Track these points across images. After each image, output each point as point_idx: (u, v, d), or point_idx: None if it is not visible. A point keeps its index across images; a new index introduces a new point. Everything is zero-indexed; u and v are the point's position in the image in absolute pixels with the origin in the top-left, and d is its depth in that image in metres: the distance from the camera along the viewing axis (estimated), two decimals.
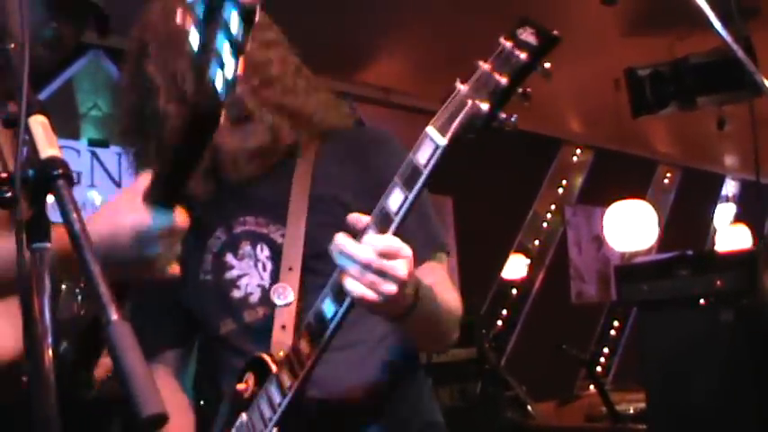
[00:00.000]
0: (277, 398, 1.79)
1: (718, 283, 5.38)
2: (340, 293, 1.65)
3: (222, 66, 1.18)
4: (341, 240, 1.60)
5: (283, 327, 1.91)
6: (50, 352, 1.02)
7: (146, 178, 1.54)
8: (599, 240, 9.34)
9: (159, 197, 1.51)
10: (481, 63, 1.53)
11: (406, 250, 1.59)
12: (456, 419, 2.25)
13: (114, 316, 0.91)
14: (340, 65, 5.97)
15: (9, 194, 1.02)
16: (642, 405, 5.92)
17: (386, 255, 1.56)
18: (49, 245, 1.05)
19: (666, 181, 11.29)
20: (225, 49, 1.18)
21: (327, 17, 5.68)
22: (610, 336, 9.75)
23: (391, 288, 1.56)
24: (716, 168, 11.87)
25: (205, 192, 2.02)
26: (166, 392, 2.10)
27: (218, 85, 1.18)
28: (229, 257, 2.04)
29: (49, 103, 5.69)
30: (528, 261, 8.91)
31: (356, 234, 1.62)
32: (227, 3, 1.16)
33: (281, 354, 1.84)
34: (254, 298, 2.00)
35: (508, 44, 1.52)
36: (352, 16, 5.80)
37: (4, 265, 1.30)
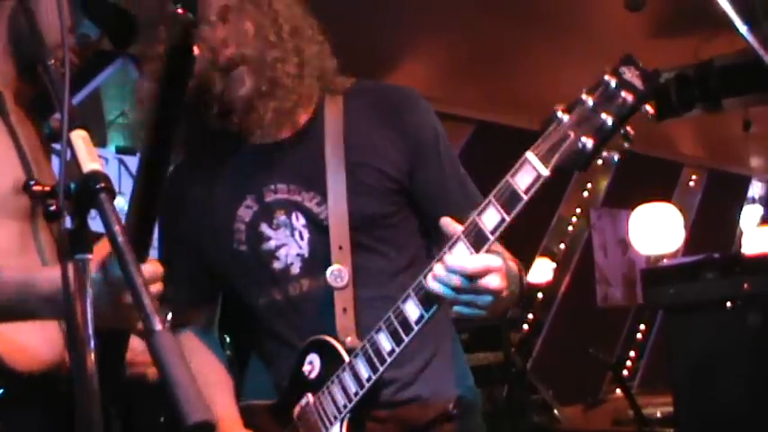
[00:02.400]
0: (353, 387, 1.84)
1: (746, 285, 5.36)
2: (426, 298, 1.71)
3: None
4: (437, 271, 1.66)
5: (344, 310, 1.95)
6: (93, 357, 1.05)
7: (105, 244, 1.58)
8: (624, 243, 9.31)
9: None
10: (584, 96, 1.56)
11: (497, 262, 1.65)
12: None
13: (158, 326, 0.93)
14: (366, 70, 5.98)
15: (53, 207, 1.05)
16: (669, 409, 5.89)
17: (480, 274, 1.62)
18: (90, 256, 1.08)
19: (692, 183, 11.24)
20: None
21: (354, 22, 5.71)
22: (636, 339, 9.71)
23: (487, 300, 1.65)
24: (742, 170, 11.80)
25: (231, 154, 2.04)
26: (204, 352, 2.18)
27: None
28: (264, 227, 2.04)
29: (77, 111, 5.76)
30: (553, 265, 8.90)
31: (442, 239, 1.70)
32: None
33: (349, 340, 1.90)
34: (296, 269, 2.02)
35: (613, 82, 1.54)
36: (378, 21, 5.82)
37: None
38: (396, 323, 1.75)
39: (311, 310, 1.99)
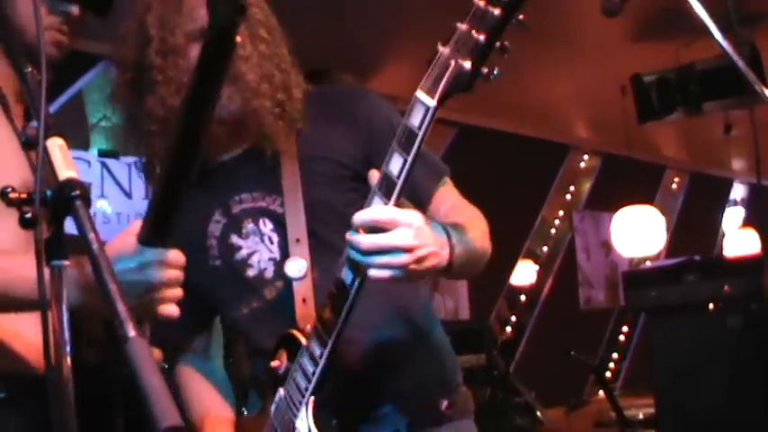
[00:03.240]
0: (310, 368, 1.84)
1: (727, 288, 5.40)
2: (357, 263, 1.70)
3: None
4: (348, 237, 1.66)
5: (304, 300, 1.97)
6: (68, 362, 1.05)
7: (137, 223, 1.59)
8: (607, 246, 9.35)
9: (152, 237, 1.54)
10: (459, 24, 1.57)
11: (409, 217, 1.65)
12: None
13: (132, 332, 0.94)
14: (348, 73, 6.00)
15: (29, 215, 1.05)
16: (652, 410, 5.92)
17: (386, 225, 1.63)
18: (67, 262, 1.09)
19: (674, 186, 11.30)
20: None
21: (336, 26, 5.72)
22: (619, 341, 9.76)
23: (401, 259, 1.63)
24: (724, 173, 11.87)
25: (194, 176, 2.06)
26: (201, 379, 2.22)
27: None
28: (234, 238, 2.07)
29: (60, 114, 5.74)
30: (537, 267, 8.93)
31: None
32: None
33: (308, 327, 1.90)
34: (269, 273, 2.04)
35: (481, 2, 1.55)
36: (360, 25, 5.83)
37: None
38: (336, 293, 1.75)
39: (283, 309, 2.00)
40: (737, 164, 11.69)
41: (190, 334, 2.26)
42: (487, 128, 7.70)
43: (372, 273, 1.65)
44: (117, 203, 5.99)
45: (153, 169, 2.08)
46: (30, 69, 1.19)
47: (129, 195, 6.03)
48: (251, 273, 2.06)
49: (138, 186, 6.06)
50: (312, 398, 1.85)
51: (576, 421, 7.04)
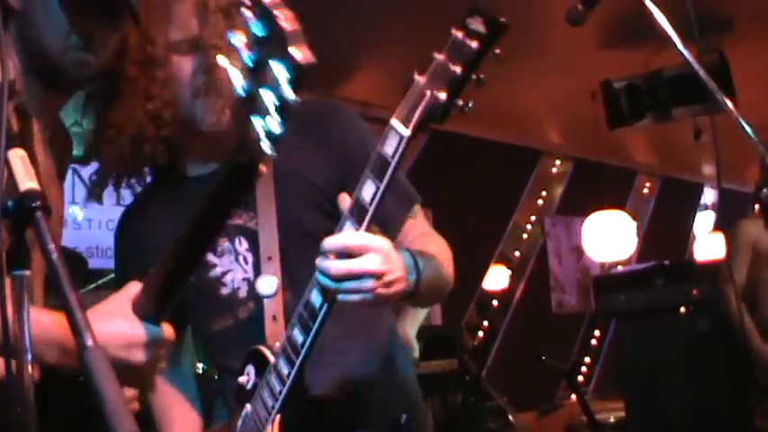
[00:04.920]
0: (277, 386, 1.85)
1: (695, 292, 5.46)
2: (326, 288, 1.71)
3: (265, 118, 1.22)
4: (317, 261, 1.67)
5: (274, 317, 1.97)
6: (30, 368, 1.06)
7: (135, 286, 1.59)
8: (579, 251, 9.40)
9: (149, 312, 1.55)
10: (436, 54, 1.59)
11: (378, 243, 1.67)
12: (437, 431, 2.31)
13: (89, 342, 0.95)
14: (320, 79, 6.00)
15: None
16: (623, 414, 5.97)
17: (355, 252, 1.64)
18: (28, 272, 1.10)
19: (646, 191, 11.38)
20: (270, 103, 1.22)
21: (307, 32, 5.72)
22: (591, 345, 9.81)
23: (369, 284, 1.65)
24: (695, 177, 11.96)
25: (172, 189, 2.06)
26: (169, 391, 2.21)
27: (263, 139, 1.21)
28: (209, 256, 2.07)
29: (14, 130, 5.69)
30: (509, 272, 8.96)
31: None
32: (279, 58, 1.19)
33: (277, 345, 1.90)
34: (243, 293, 2.05)
35: (459, 34, 1.57)
36: (330, 31, 5.84)
37: None
38: (305, 314, 1.76)
39: (254, 329, 2.00)
40: (708, 169, 11.78)
41: None
42: (460, 133, 7.73)
43: (341, 297, 1.67)
44: (88, 210, 5.95)
45: (106, 177, 2.09)
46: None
47: (99, 202, 6.00)
48: (224, 291, 2.07)
49: (109, 193, 6.01)
50: (278, 416, 1.86)
51: (547, 425, 7.08)
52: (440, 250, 1.99)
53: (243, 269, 2.05)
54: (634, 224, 8.11)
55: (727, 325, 4.92)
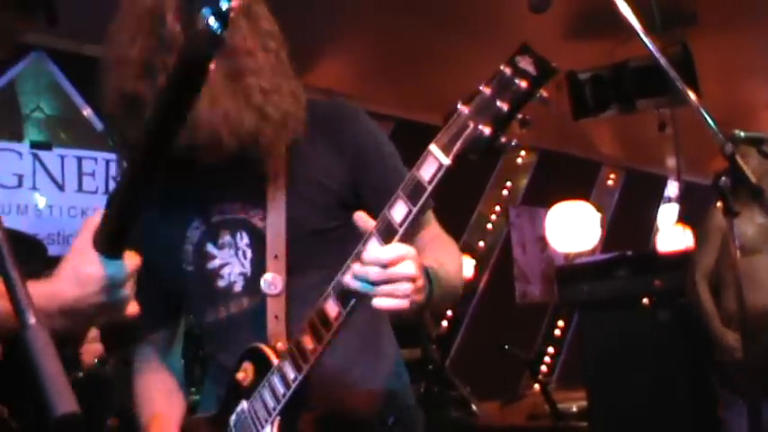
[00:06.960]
0: (281, 389, 1.85)
1: (657, 283, 5.50)
2: (343, 295, 1.72)
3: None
4: (355, 268, 1.68)
5: (276, 317, 1.97)
6: None
7: (91, 225, 1.55)
8: (543, 241, 9.45)
9: (108, 248, 1.52)
10: (482, 87, 1.60)
11: (410, 251, 1.68)
12: None
13: (32, 320, 0.94)
14: None
15: None
16: (585, 403, 6.01)
17: (394, 263, 1.64)
18: None
19: (610, 182, 11.46)
20: None
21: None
22: (554, 335, 9.86)
23: (406, 288, 1.65)
24: (659, 170, 12.05)
25: (180, 176, 1.98)
26: (156, 374, 2.21)
27: (211, 19, 1.15)
28: (210, 247, 2.06)
29: None
30: (473, 262, 8.98)
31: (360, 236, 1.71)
32: None
33: (279, 345, 1.92)
34: (238, 287, 2.04)
35: (508, 71, 1.59)
36: (294, 19, 5.82)
37: None
38: (317, 322, 1.76)
39: (249, 324, 2.01)
40: (672, 161, 11.86)
41: (156, 324, 2.24)
42: (424, 123, 7.69)
43: (377, 302, 1.66)
44: (49, 196, 5.90)
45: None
46: None
47: (61, 188, 5.95)
48: (221, 284, 2.06)
49: (71, 179, 5.98)
50: (279, 418, 1.87)
51: (510, 415, 7.11)
52: (451, 258, 2.01)
53: (241, 264, 2.04)
54: (598, 215, 8.16)
55: (688, 315, 4.96)
